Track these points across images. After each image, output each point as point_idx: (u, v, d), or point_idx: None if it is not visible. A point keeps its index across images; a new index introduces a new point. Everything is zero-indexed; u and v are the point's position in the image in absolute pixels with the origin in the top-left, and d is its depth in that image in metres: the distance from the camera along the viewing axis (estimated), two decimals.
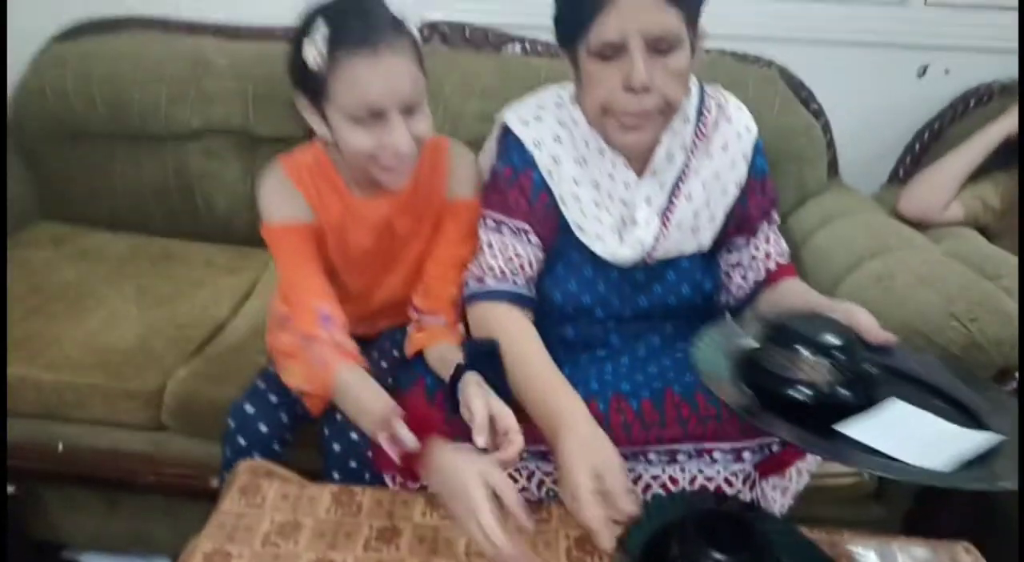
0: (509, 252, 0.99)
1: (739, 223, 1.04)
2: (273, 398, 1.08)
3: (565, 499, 0.80)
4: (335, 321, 0.93)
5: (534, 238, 0.99)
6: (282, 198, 0.98)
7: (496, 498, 0.73)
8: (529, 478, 0.97)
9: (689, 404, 0.96)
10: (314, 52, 0.85)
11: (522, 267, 0.99)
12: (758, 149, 1.04)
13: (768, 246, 1.06)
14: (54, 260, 1.61)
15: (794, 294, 1.03)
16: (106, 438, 1.32)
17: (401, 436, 0.79)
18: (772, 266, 1.06)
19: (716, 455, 0.95)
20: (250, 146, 1.69)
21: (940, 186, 1.50)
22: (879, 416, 0.78)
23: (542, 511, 0.88)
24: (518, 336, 0.94)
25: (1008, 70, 1.64)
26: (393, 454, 0.80)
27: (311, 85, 0.89)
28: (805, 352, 0.78)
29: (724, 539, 0.68)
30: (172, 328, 1.39)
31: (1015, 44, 1.61)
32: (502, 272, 0.98)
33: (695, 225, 1.01)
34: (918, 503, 1.23)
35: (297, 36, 0.89)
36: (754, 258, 1.06)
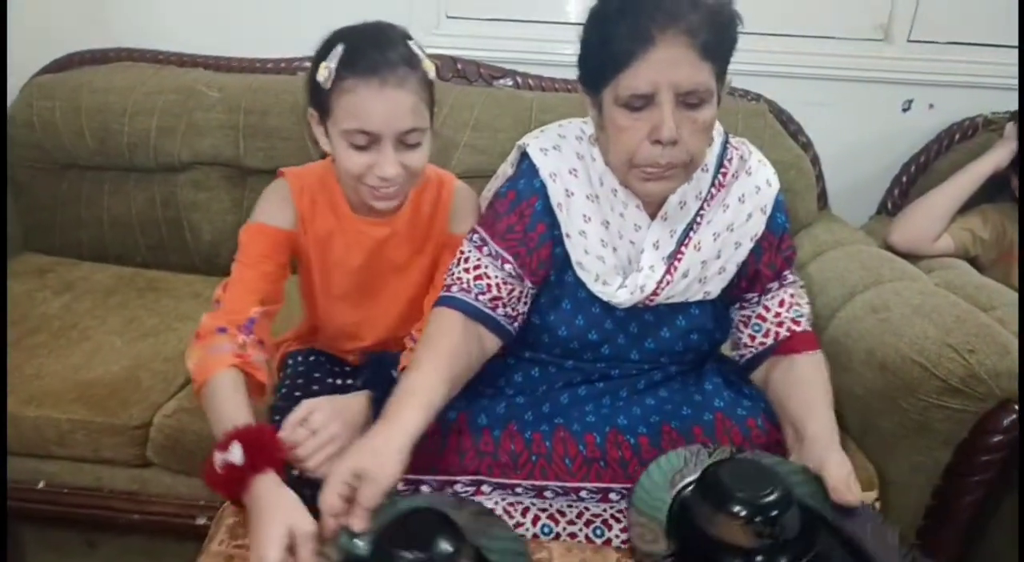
0: (480, 271, 0.97)
1: (750, 279, 1.01)
2: None
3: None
4: (255, 333, 0.94)
5: (509, 267, 0.97)
6: (273, 204, 1.03)
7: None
8: (524, 513, 0.94)
9: (685, 439, 0.94)
10: (326, 71, 0.89)
11: (488, 287, 0.97)
12: (779, 205, 1.00)
13: (781, 308, 1.01)
14: (37, 292, 1.58)
15: (798, 387, 0.95)
16: (88, 475, 1.28)
17: (231, 451, 0.78)
18: (784, 332, 1.00)
19: None
20: (239, 178, 1.69)
21: (931, 218, 1.52)
22: None
23: (541, 550, 0.85)
24: (434, 343, 0.91)
25: (991, 105, 1.68)
26: (217, 464, 0.79)
27: (319, 101, 0.93)
28: (733, 512, 0.71)
29: (424, 537, 0.69)
30: (159, 361, 1.36)
31: (998, 79, 1.66)
32: (468, 286, 0.97)
33: (702, 275, 0.98)
34: (919, 536, 1.21)
35: (318, 53, 0.93)
36: (762, 318, 1.01)
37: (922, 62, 1.71)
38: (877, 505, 1.19)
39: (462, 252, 1.00)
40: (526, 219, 0.98)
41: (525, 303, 1.00)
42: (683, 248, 0.97)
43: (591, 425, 0.97)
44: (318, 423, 0.88)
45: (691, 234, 0.97)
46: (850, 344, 1.23)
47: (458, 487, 0.95)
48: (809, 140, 1.70)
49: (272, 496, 0.76)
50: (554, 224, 0.98)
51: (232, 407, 0.86)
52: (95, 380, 1.30)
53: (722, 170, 0.98)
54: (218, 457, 0.79)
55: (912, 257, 1.49)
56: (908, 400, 1.12)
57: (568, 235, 0.98)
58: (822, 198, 1.72)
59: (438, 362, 0.89)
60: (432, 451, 0.95)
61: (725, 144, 1.00)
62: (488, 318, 0.96)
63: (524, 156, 1.00)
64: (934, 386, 1.09)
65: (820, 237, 1.58)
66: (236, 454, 0.78)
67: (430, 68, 0.94)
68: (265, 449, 0.80)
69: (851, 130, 1.76)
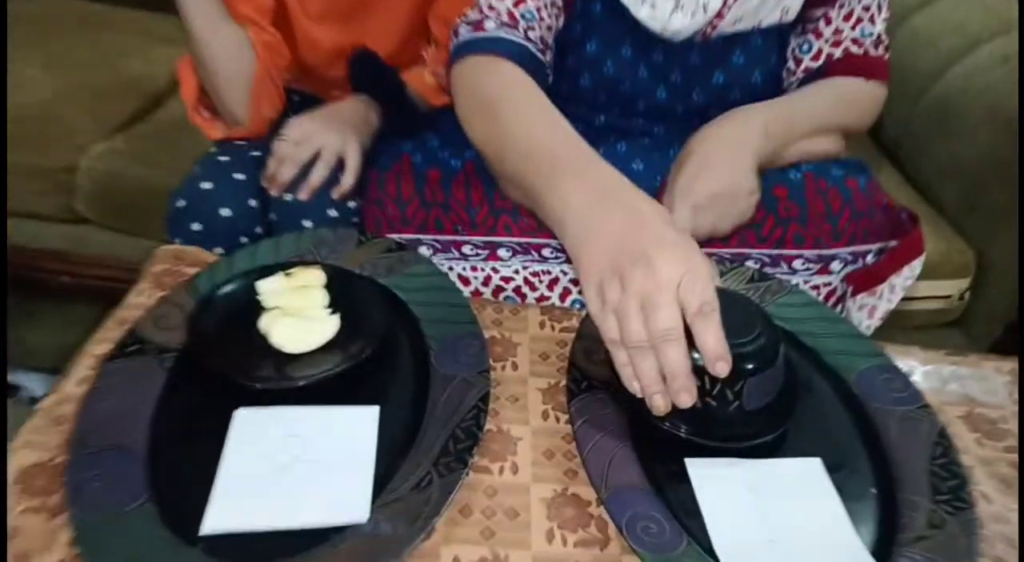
0: None
1: None
2: (239, 175, 0.81)
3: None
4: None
5: None
6: None
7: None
8: (552, 286, 0.73)
9: (762, 200, 0.70)
10: None
11: (538, 10, 0.71)
12: None
13: (845, 24, 0.75)
14: None
15: (812, 98, 0.74)
16: (18, 233, 1.07)
17: None
18: (838, 53, 0.75)
19: (796, 264, 0.72)
20: None
21: None
22: (784, 469, 0.52)
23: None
24: (521, 97, 0.66)
25: None
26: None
27: None
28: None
29: None
30: (88, 97, 1.11)
31: None
32: (510, 15, 0.71)
33: None
34: (1008, 332, 1.04)
35: None
36: (819, 34, 0.76)
37: None
38: (967, 295, 1.00)
39: None
40: None
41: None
42: None
43: (638, 173, 0.73)
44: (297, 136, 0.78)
45: None
46: (966, 101, 0.99)
47: (466, 249, 0.73)
48: None
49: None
50: None
51: None
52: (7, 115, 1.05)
53: None
54: None
55: None
56: None
57: None
58: None
59: (542, 107, 0.65)
60: (432, 205, 0.72)
61: None
62: (539, 65, 0.71)
63: None
64: None
65: None
66: None
67: None
68: None
69: None
